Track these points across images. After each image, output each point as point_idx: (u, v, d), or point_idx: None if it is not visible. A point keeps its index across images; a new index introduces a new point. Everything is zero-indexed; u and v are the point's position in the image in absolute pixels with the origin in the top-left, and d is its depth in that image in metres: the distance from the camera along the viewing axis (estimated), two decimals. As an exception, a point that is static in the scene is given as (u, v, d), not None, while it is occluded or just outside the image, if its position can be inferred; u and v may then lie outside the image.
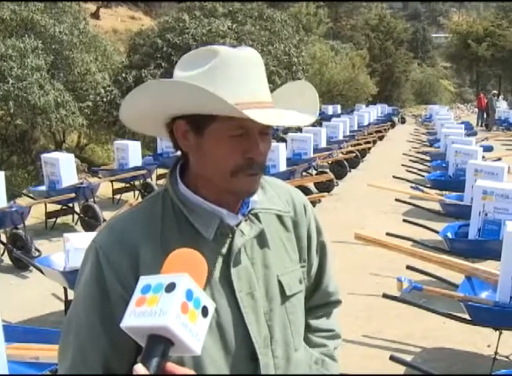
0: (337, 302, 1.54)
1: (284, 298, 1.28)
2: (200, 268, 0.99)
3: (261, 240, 1.27)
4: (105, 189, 9.87)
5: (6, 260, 6.73)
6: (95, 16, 28.52)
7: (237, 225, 1.23)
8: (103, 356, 1.16)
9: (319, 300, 1.47)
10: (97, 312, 1.16)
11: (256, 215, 1.27)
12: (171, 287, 0.92)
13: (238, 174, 1.18)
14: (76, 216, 8.38)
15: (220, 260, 1.20)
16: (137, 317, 0.92)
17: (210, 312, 0.95)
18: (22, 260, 6.10)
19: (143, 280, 0.96)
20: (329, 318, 1.51)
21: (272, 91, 1.25)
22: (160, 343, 0.91)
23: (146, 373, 0.89)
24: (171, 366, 0.94)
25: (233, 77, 1.15)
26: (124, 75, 15.36)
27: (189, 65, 1.19)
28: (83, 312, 1.18)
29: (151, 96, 1.15)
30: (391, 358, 3.57)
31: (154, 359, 0.91)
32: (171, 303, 0.90)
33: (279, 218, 1.32)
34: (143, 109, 1.19)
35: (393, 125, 24.61)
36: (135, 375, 0.90)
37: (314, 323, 1.46)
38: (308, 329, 1.43)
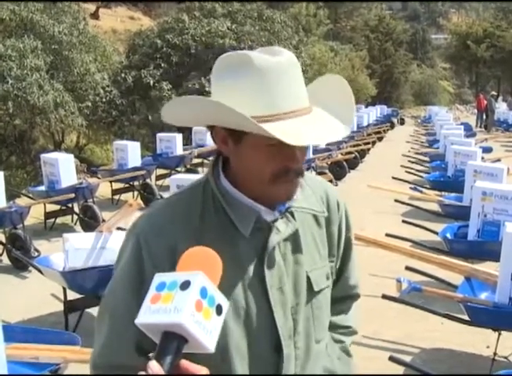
0: (357, 296, 1.58)
1: (311, 293, 1.31)
2: (214, 266, 1.00)
3: (295, 237, 1.29)
4: (104, 189, 9.86)
5: (5, 260, 6.73)
6: (95, 16, 28.51)
7: (274, 221, 1.25)
8: (137, 334, 1.15)
9: (339, 292, 1.49)
10: (134, 292, 1.18)
11: (291, 213, 1.28)
12: (185, 285, 0.93)
13: (276, 181, 1.20)
14: (75, 216, 8.37)
15: (255, 255, 1.22)
16: (152, 314, 0.93)
17: (224, 310, 0.96)
18: (21, 260, 6.09)
19: (158, 278, 0.97)
20: (347, 314, 1.55)
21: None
22: (174, 340, 0.92)
23: (160, 370, 0.90)
24: (185, 364, 0.95)
25: (267, 87, 1.14)
26: (123, 75, 15.38)
27: (223, 73, 1.19)
28: (120, 291, 1.21)
29: (188, 110, 1.18)
30: (391, 358, 3.57)
31: (168, 356, 0.92)
32: (186, 301, 0.91)
33: (314, 216, 1.35)
34: (184, 116, 1.24)
35: (392, 126, 24.64)
36: (149, 374, 0.90)
37: (334, 319, 1.48)
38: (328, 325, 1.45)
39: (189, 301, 0.91)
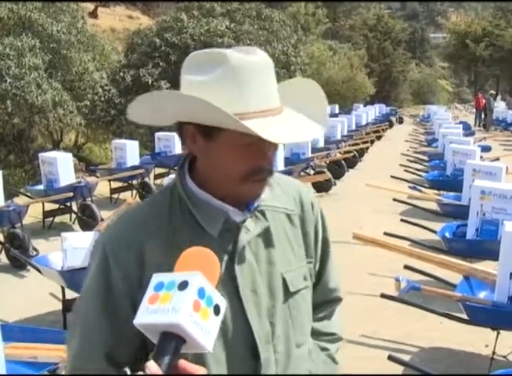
0: (338, 300, 1.53)
1: (288, 294, 1.28)
2: (212, 266, 1.00)
3: (267, 237, 1.27)
4: (102, 188, 9.85)
5: (4, 259, 6.71)
6: (93, 15, 28.47)
7: (243, 221, 1.23)
8: (106, 346, 1.18)
9: (320, 296, 1.45)
10: (102, 303, 1.18)
11: (262, 212, 1.27)
12: (183, 285, 0.93)
13: (247, 180, 1.19)
14: (73, 215, 8.36)
15: (225, 256, 1.20)
16: (150, 314, 0.93)
17: (222, 310, 0.97)
18: (19, 259, 6.08)
19: (156, 278, 0.97)
20: (330, 319, 1.50)
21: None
22: (172, 340, 0.92)
23: (159, 370, 0.90)
24: (183, 364, 0.95)
25: (241, 85, 1.13)
26: (121, 74, 15.34)
27: (197, 69, 1.17)
28: (89, 303, 1.21)
29: (155, 106, 1.15)
30: (390, 358, 3.57)
31: (166, 356, 0.92)
32: (184, 301, 0.92)
33: (287, 215, 1.33)
34: (151, 115, 1.21)
35: (391, 125, 24.65)
36: (147, 374, 0.90)
37: (316, 326, 1.45)
38: (311, 332, 1.42)
39: (187, 301, 0.92)
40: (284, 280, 1.28)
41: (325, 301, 1.49)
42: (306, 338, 1.36)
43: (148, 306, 0.94)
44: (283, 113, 1.19)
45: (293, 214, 1.34)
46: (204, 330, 0.93)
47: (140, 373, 0.91)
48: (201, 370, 0.96)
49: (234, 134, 1.13)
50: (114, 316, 1.17)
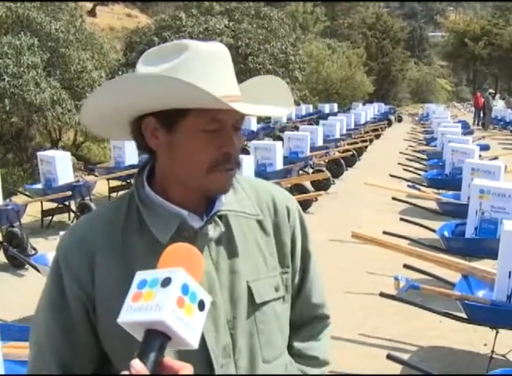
0: (324, 318, 1.42)
1: (254, 305, 1.20)
2: (196, 262, 0.99)
3: (230, 244, 1.20)
4: (101, 187, 9.84)
5: (2, 258, 6.70)
6: (92, 13, 28.47)
7: (202, 228, 1.18)
8: (59, 354, 1.16)
9: (302, 311, 1.36)
10: (53, 309, 1.17)
11: (223, 217, 1.21)
12: (166, 282, 0.92)
13: (214, 169, 1.14)
14: (72, 214, 8.35)
15: None
16: (133, 312, 0.92)
17: (207, 305, 0.96)
18: (18, 258, 6.07)
19: (139, 275, 0.96)
20: (316, 340, 1.39)
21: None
22: (157, 338, 0.91)
23: (144, 368, 0.89)
24: (169, 361, 0.93)
25: (206, 70, 1.12)
26: (120, 73, 15.33)
27: (156, 60, 1.14)
28: (42, 311, 1.19)
29: (124, 91, 1.10)
30: (389, 357, 3.56)
31: (151, 353, 0.90)
32: (167, 298, 0.91)
33: (259, 221, 1.26)
34: (106, 106, 1.15)
35: (390, 124, 24.64)
36: (132, 374, 0.88)
37: (298, 346, 1.36)
38: (290, 351, 1.34)
39: (171, 298, 0.91)
40: (250, 290, 1.20)
41: (309, 319, 1.39)
42: (277, 354, 1.26)
43: (131, 304, 0.93)
44: (245, 102, 1.18)
45: (264, 220, 1.26)
46: (189, 327, 0.92)
47: (125, 372, 0.89)
48: (187, 367, 0.94)
49: (198, 120, 1.11)
50: (67, 323, 1.16)
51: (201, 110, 1.10)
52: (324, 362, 1.39)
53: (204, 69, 1.12)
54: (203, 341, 1.11)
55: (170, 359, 0.93)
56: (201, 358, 1.12)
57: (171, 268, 0.95)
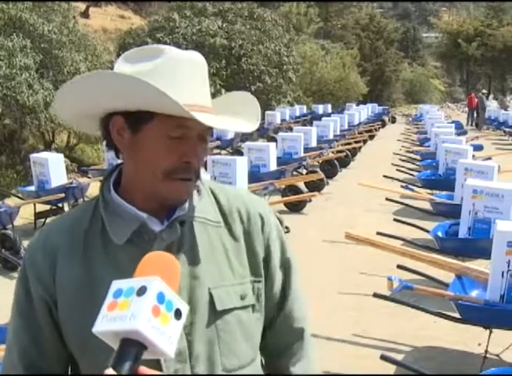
0: (303, 331, 1.36)
1: (215, 313, 1.18)
2: (172, 271, 0.99)
3: (192, 249, 1.18)
4: (95, 189, 9.79)
5: (-5, 261, 6.68)
6: (85, 14, 28.38)
7: (161, 232, 1.17)
8: (26, 355, 1.19)
9: (282, 325, 1.33)
10: (20, 311, 1.20)
11: (187, 223, 1.19)
12: (142, 291, 0.91)
13: (171, 176, 1.14)
14: (65, 216, 8.33)
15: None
16: (108, 322, 0.91)
17: (184, 314, 0.95)
18: (10, 261, 6.05)
19: (115, 284, 0.95)
20: (302, 361, 1.35)
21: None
22: (132, 347, 0.90)
23: None
24: (144, 370, 0.92)
25: (178, 77, 1.12)
26: (113, 74, 15.32)
27: (134, 60, 1.15)
28: (11, 315, 1.22)
29: (95, 87, 1.11)
30: (382, 357, 3.56)
31: (126, 362, 0.90)
32: (142, 307, 0.90)
33: (228, 228, 1.24)
34: (77, 100, 1.16)
35: (383, 125, 24.69)
36: None
37: (295, 371, 1.33)
38: (284, 371, 1.33)
39: (146, 306, 0.90)
40: (211, 297, 1.17)
41: (293, 336, 1.35)
42: (243, 364, 1.22)
43: (107, 313, 0.92)
44: (216, 114, 1.18)
45: (234, 227, 1.24)
46: (165, 336, 0.91)
47: None
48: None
49: (163, 125, 1.11)
50: (33, 325, 1.18)
51: (168, 116, 1.10)
52: None
53: (176, 76, 1.12)
54: None
55: (146, 369, 0.92)
56: (153, 361, 1.05)
57: (147, 277, 0.94)
